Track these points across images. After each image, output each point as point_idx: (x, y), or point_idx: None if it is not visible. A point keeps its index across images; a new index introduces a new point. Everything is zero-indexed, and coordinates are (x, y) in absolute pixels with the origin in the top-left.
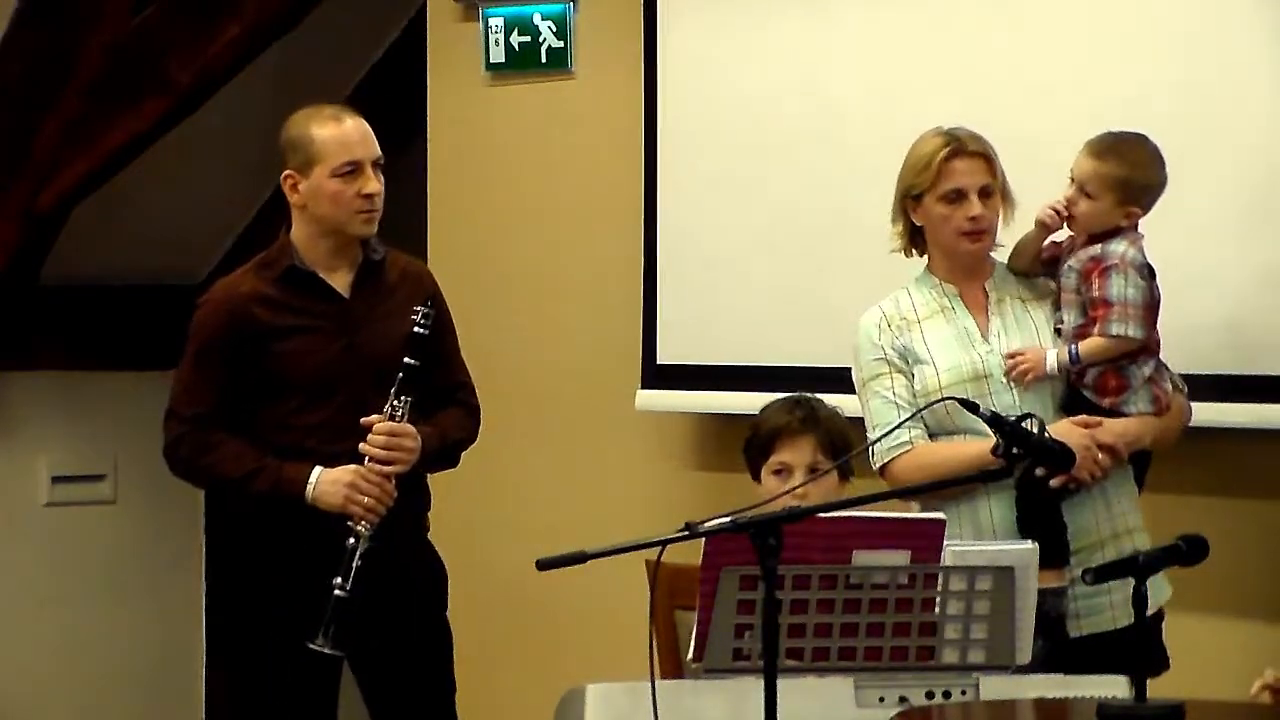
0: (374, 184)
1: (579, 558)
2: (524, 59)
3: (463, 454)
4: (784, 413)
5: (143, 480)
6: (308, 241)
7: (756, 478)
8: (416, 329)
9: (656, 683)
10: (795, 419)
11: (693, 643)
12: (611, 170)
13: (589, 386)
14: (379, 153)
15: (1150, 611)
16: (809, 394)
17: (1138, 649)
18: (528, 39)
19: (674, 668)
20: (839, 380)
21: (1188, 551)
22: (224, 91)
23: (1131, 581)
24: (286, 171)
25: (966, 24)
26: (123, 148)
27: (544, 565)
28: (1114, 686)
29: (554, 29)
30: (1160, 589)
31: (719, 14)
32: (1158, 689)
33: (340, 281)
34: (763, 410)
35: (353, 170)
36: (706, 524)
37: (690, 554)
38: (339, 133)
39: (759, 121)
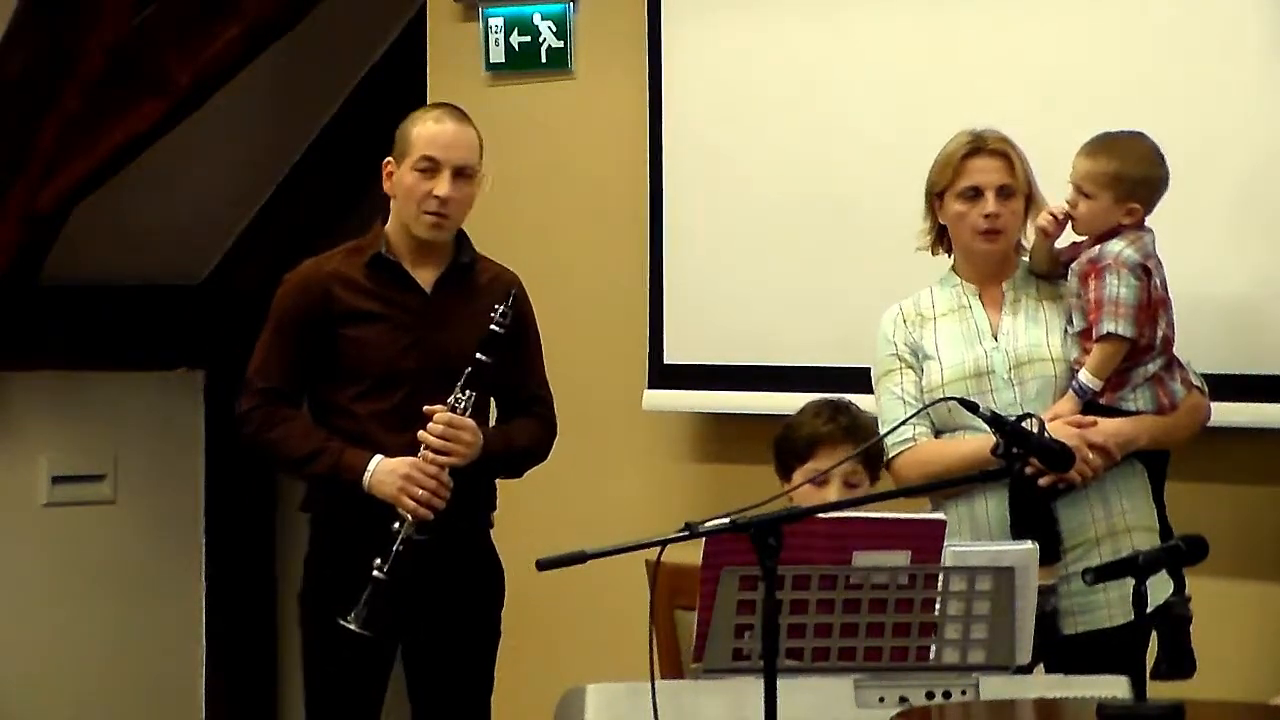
0: (444, 187)
1: (578, 558)
2: (524, 59)
3: (531, 468)
4: (826, 419)
5: (143, 480)
6: (397, 234)
7: (786, 476)
8: (493, 326)
9: (656, 683)
10: (838, 428)
11: (693, 642)
12: (612, 170)
13: (595, 387)
14: (466, 161)
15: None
16: (847, 398)
17: (1137, 648)
18: (528, 39)
19: (674, 668)
20: (846, 380)
21: (1188, 551)
22: (224, 91)
23: (1127, 579)
24: (387, 159)
25: (971, 23)
26: (123, 148)
27: (544, 565)
28: (1114, 686)
29: (554, 29)
30: (1160, 588)
31: (722, 13)
32: (1167, 689)
33: (425, 277)
34: (801, 411)
35: (429, 168)
36: (706, 524)
37: (690, 554)
38: (430, 130)
39: (763, 120)
